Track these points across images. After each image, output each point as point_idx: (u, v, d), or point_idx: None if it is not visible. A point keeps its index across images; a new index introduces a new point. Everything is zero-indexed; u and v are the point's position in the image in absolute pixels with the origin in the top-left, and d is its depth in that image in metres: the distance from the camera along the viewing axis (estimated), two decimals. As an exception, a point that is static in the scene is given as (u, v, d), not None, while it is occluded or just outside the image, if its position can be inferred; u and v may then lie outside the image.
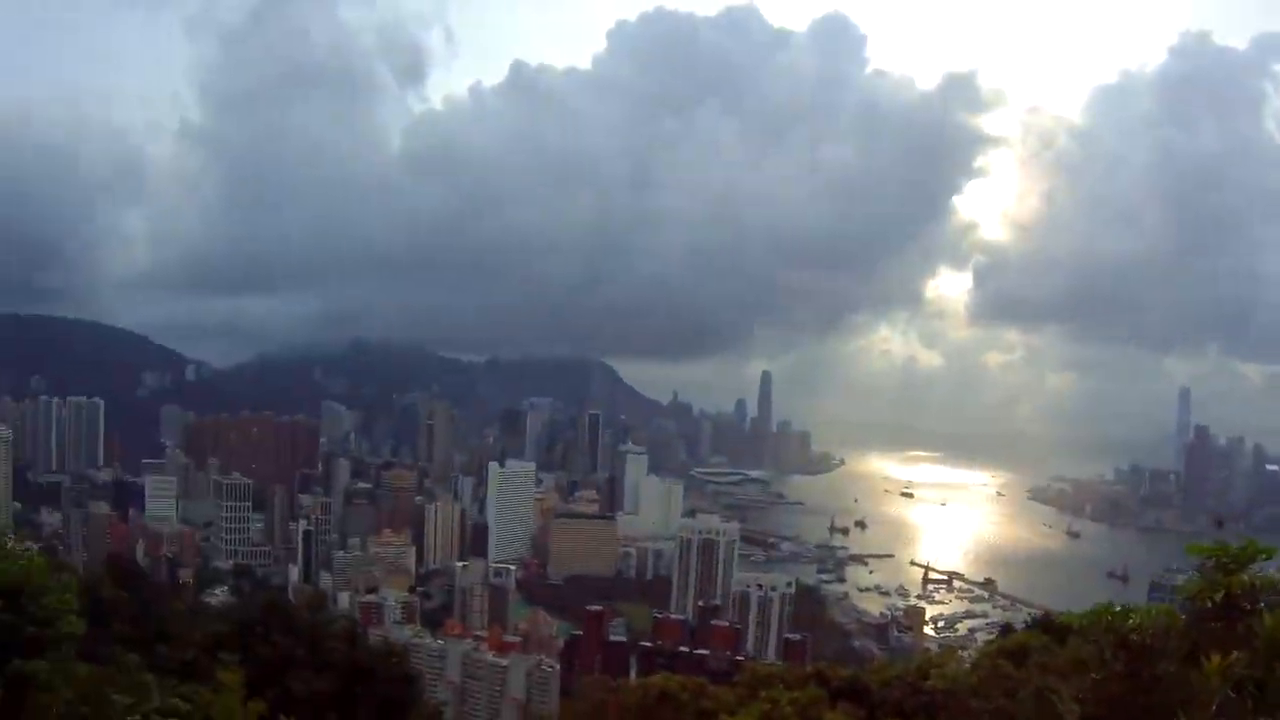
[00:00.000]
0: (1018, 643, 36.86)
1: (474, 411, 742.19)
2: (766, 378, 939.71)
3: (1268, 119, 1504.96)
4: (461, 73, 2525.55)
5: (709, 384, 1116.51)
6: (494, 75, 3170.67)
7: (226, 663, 20.31)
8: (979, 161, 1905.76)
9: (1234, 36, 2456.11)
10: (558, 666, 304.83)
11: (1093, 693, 13.50)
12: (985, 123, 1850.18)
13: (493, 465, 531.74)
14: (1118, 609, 14.24)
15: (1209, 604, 13.47)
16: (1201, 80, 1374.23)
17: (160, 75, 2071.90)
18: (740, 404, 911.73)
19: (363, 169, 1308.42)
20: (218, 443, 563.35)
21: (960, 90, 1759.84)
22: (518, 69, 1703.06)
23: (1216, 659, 7.31)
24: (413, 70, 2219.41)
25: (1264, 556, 14.22)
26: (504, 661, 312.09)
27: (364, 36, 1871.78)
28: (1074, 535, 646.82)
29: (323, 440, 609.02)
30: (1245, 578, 13.52)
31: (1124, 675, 13.31)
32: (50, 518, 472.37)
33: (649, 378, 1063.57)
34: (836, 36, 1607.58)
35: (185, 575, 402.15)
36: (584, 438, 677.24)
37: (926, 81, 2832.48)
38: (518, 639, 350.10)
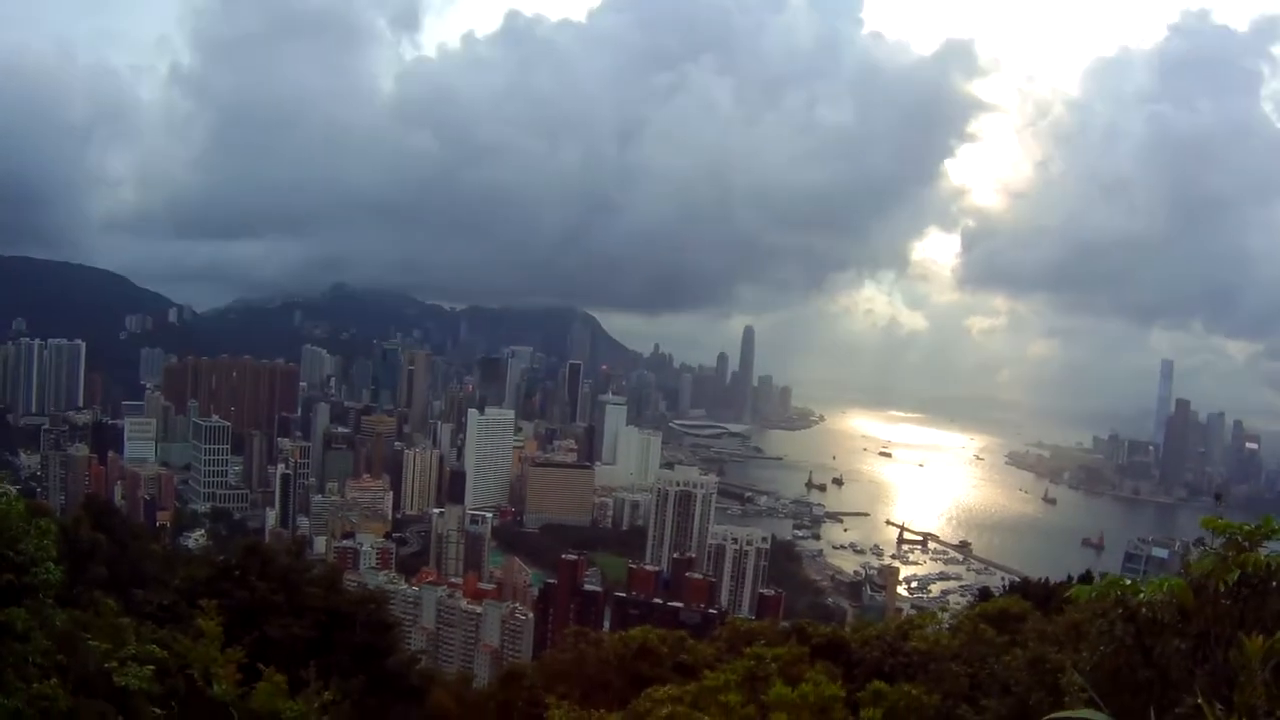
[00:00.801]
0: (998, 608, 36.77)
1: (454, 358, 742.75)
2: (749, 333, 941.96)
3: (1264, 100, 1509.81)
4: (456, 21, 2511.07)
5: (691, 338, 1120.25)
6: (489, 25, 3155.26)
7: (205, 610, 20.08)
8: (972, 127, 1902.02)
9: (1234, 17, 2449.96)
10: (531, 615, 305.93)
11: (1096, 665, 13.27)
12: (981, 89, 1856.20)
13: (472, 412, 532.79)
14: (1129, 581, 14.00)
15: (1223, 584, 13.22)
16: (1199, 59, 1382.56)
17: (152, 19, 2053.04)
18: (722, 358, 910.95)
19: (353, 116, 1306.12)
20: (197, 385, 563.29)
21: (958, 56, 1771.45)
22: (512, 18, 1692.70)
23: (1260, 639, 7.33)
24: (407, 18, 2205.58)
25: (1277, 535, 13.98)
26: (479, 609, 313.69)
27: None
28: (1050, 501, 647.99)
29: (302, 384, 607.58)
30: (1261, 556, 13.28)
31: (1132, 649, 13.08)
32: (29, 460, 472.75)
33: (631, 329, 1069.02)
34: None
35: (163, 518, 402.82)
36: (564, 387, 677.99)
37: (923, 46, 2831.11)
38: (493, 586, 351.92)
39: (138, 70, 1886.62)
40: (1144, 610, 13.19)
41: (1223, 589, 13.12)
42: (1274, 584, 13.08)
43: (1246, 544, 13.52)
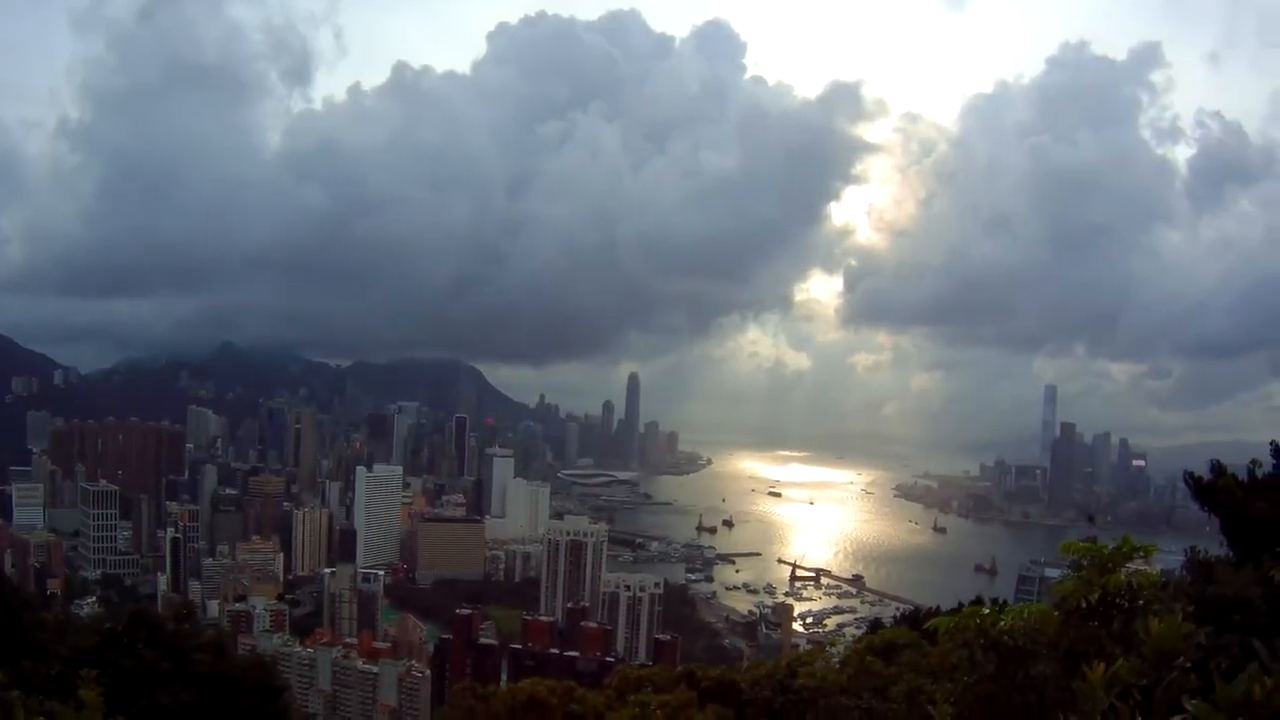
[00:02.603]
0: (885, 639, 37.19)
1: (341, 415, 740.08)
2: (634, 380, 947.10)
3: (1143, 127, 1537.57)
4: (349, 74, 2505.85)
5: (578, 387, 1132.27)
6: (379, 77, 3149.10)
7: (86, 679, 20.01)
8: (857, 168, 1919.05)
9: (1113, 46, 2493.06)
10: (428, 672, 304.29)
11: (965, 694, 13.57)
12: (866, 131, 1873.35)
13: (360, 470, 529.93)
14: (986, 610, 14.29)
15: (1084, 604, 13.57)
16: (1078, 90, 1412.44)
17: (40, 71, 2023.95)
18: (607, 406, 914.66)
19: (243, 169, 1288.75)
20: (84, 449, 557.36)
21: (843, 98, 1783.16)
22: (400, 70, 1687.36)
23: (1100, 667, 7.31)
24: (299, 71, 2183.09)
25: (1141, 555, 14.34)
26: (374, 668, 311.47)
27: (252, 35, 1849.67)
28: (940, 530, 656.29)
29: (189, 446, 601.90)
30: (1122, 576, 13.64)
31: (996, 677, 13.40)
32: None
33: (517, 381, 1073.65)
34: (717, 43, 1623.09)
35: (54, 585, 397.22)
36: (450, 441, 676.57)
37: (807, 89, 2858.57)
38: (387, 645, 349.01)
39: (27, 124, 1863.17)
40: (1005, 638, 13.52)
41: (1085, 609, 13.52)
42: (1140, 603, 13.49)
43: (1110, 565, 13.94)
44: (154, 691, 38.41)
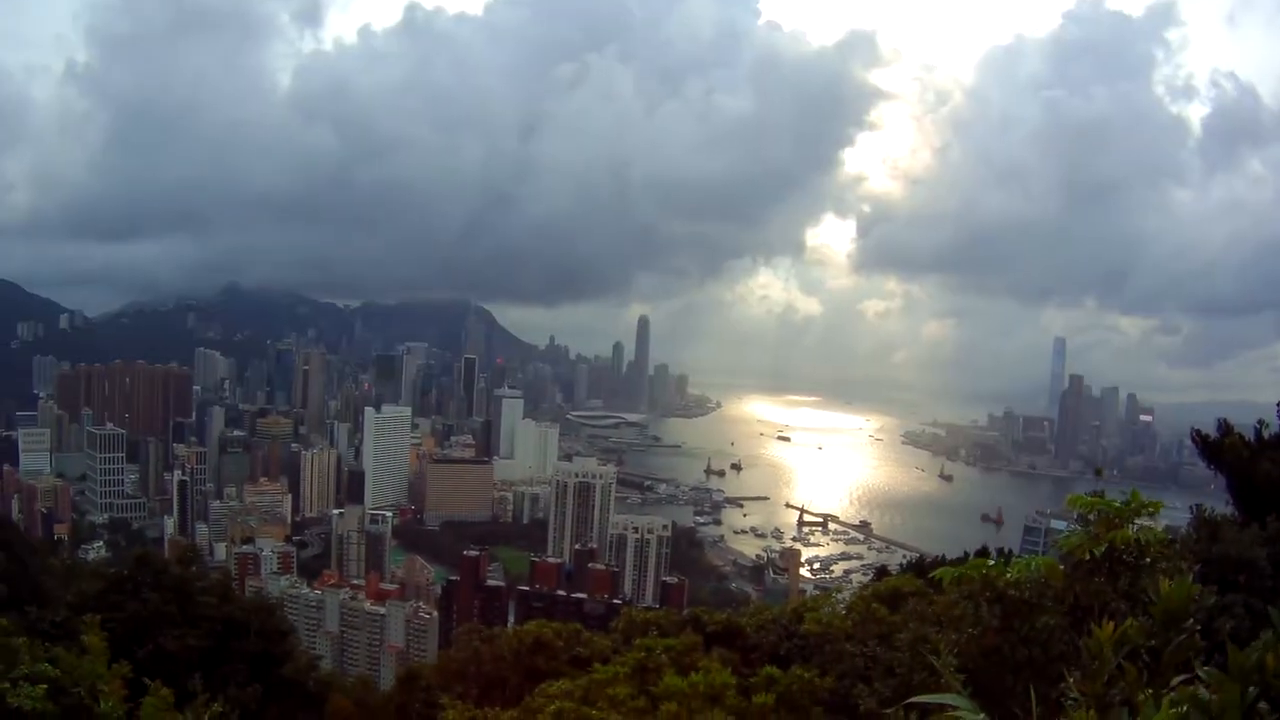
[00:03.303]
0: (891, 587, 37.03)
1: (349, 357, 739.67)
2: (644, 322, 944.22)
3: (1157, 84, 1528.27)
4: (360, 15, 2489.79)
5: (588, 328, 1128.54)
6: (391, 18, 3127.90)
7: (90, 624, 19.93)
8: (872, 116, 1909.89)
9: (1129, 3, 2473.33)
10: (435, 613, 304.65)
11: (969, 645, 13.44)
12: (881, 78, 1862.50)
13: (368, 411, 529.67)
14: (992, 562, 14.16)
15: (1090, 558, 13.42)
16: (1094, 45, 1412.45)
17: (48, 16, 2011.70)
18: (617, 348, 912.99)
19: (252, 112, 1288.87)
20: (91, 393, 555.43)
21: (859, 46, 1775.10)
22: (411, 10, 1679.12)
23: (1109, 625, 7.27)
24: (310, 12, 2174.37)
25: (1149, 510, 14.20)
26: (382, 610, 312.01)
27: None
28: (946, 478, 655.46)
29: (196, 388, 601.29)
30: (1129, 532, 13.49)
31: (1000, 629, 13.27)
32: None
33: (527, 322, 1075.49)
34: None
35: (61, 530, 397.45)
36: (459, 382, 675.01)
37: (823, 36, 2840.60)
38: (395, 586, 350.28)
39: (31, 69, 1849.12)
40: (1011, 591, 13.39)
41: (1091, 564, 13.37)
42: (1147, 560, 13.34)
43: (1117, 520, 13.78)
44: (159, 635, 38.45)
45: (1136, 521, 13.87)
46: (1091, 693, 6.89)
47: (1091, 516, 14.00)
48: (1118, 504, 13.85)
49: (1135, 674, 6.77)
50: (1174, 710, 5.90)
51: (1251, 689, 5.86)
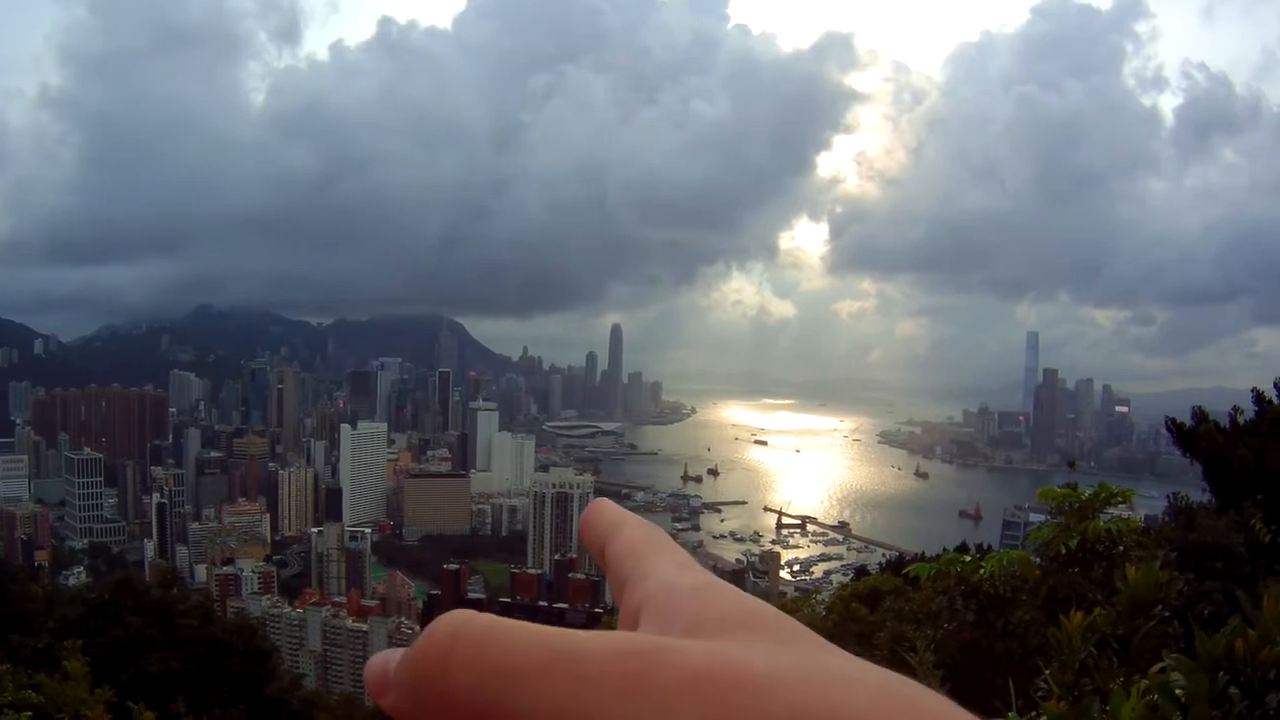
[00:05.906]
0: (870, 586, 37.20)
1: (324, 374, 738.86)
2: (617, 331, 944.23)
3: (1127, 77, 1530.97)
4: (339, 31, 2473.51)
5: (561, 339, 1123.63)
6: (365, 33, 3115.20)
7: (70, 650, 19.99)
8: (848, 118, 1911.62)
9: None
10: (418, 628, 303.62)
11: (946, 641, 13.55)
12: (855, 80, 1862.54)
13: (344, 428, 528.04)
14: (967, 559, 14.27)
15: (1063, 550, 13.54)
16: (1063, 39, 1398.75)
17: (24, 39, 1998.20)
18: (591, 357, 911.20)
19: (225, 131, 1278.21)
20: (67, 418, 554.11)
21: (835, 49, 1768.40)
22: (385, 25, 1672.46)
23: (1078, 615, 7.25)
24: (288, 30, 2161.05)
25: (1119, 501, 14.32)
26: (364, 626, 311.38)
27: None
28: (922, 476, 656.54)
29: (172, 410, 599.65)
30: (1101, 523, 13.62)
31: (977, 624, 13.39)
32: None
33: (499, 334, 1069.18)
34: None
35: (41, 557, 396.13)
36: (434, 396, 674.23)
37: (799, 40, 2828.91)
38: (376, 603, 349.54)
39: (7, 93, 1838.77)
40: (985, 586, 13.51)
41: (1065, 556, 13.51)
42: (1120, 550, 13.47)
43: (1088, 511, 13.92)
44: (142, 659, 38.48)
45: (1111, 511, 14.02)
46: (1063, 682, 6.94)
47: (1063, 509, 14.15)
48: (1087, 495, 13.98)
49: (1107, 663, 6.81)
50: (1144, 699, 5.92)
51: (1222, 675, 5.87)
